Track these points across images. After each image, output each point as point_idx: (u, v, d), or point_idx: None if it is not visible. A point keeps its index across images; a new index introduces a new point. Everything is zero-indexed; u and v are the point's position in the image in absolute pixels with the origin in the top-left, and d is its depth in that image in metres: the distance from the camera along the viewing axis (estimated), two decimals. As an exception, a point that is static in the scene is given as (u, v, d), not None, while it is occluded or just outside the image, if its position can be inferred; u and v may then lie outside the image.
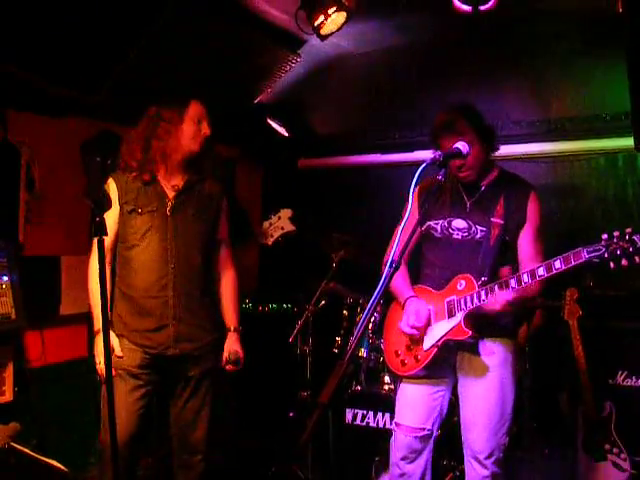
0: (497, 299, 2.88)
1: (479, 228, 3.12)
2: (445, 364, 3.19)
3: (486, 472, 3.08)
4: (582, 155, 5.04)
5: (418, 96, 5.01)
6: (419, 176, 2.55)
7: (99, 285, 2.47)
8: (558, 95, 4.91)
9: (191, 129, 3.24)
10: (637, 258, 2.56)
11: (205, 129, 3.27)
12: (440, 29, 4.37)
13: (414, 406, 3.23)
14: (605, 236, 2.61)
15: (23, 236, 4.00)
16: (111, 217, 3.15)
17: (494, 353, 3.12)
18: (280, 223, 4.04)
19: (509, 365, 3.14)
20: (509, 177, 3.26)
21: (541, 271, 2.77)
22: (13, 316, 3.71)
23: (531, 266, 2.88)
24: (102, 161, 3.19)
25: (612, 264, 2.60)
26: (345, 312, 4.60)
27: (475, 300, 2.96)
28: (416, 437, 3.20)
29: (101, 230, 2.32)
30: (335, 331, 4.54)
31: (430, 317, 3.13)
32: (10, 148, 3.95)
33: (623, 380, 4.20)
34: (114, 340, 3.16)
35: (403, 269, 3.35)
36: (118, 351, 3.14)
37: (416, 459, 3.23)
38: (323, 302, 4.52)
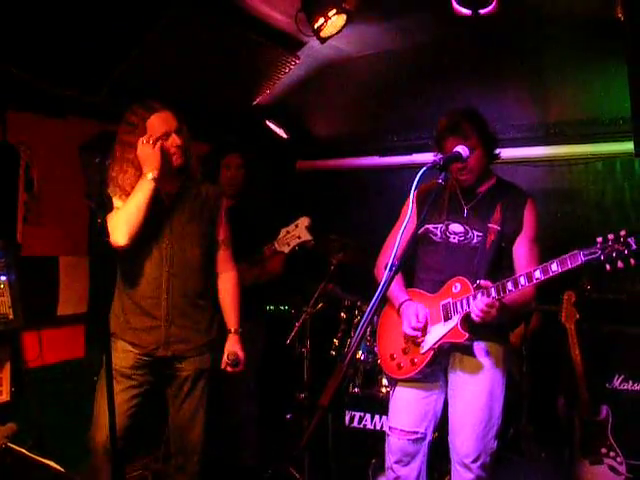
0: (480, 302, 2.88)
1: (476, 233, 3.13)
2: (438, 367, 3.19)
3: (471, 476, 3.08)
4: (580, 159, 5.05)
5: (417, 99, 5.01)
6: (419, 180, 2.56)
7: (101, 284, 2.46)
8: (557, 99, 4.93)
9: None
10: (632, 260, 2.58)
11: (175, 142, 3.14)
12: (440, 33, 4.38)
13: (408, 410, 3.24)
14: (600, 239, 2.63)
15: (21, 236, 3.99)
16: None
17: (486, 356, 3.12)
18: (297, 232, 4.02)
19: (500, 369, 3.15)
20: (507, 184, 3.29)
21: (538, 274, 2.78)
22: (11, 316, 3.70)
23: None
24: (101, 162, 3.15)
25: (608, 266, 2.61)
26: (343, 314, 4.61)
27: (471, 303, 2.96)
28: (409, 440, 3.21)
29: (103, 232, 2.31)
30: (333, 333, 4.55)
31: (427, 319, 3.13)
32: (9, 148, 3.94)
33: (620, 384, 4.22)
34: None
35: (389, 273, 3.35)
36: None
37: (410, 462, 3.23)
38: (321, 304, 4.52)
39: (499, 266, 3.13)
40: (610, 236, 2.62)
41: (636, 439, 4.02)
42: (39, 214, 4.10)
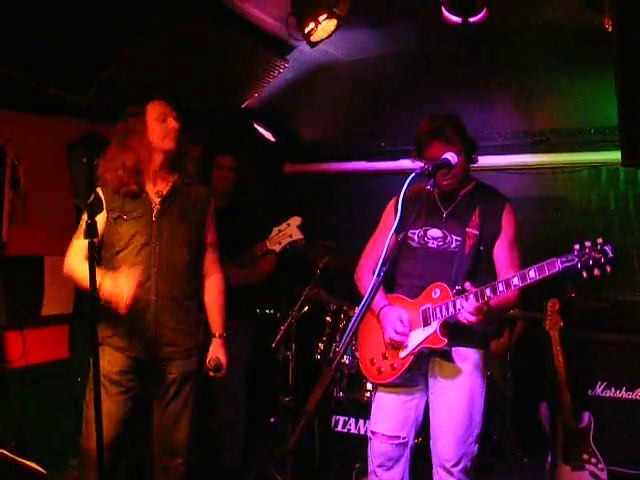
0: (469, 306, 2.89)
1: (454, 238, 3.13)
2: (418, 372, 3.19)
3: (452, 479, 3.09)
4: (566, 167, 5.10)
5: (404, 105, 5.03)
6: (408, 185, 2.57)
7: (90, 288, 2.44)
8: (543, 108, 4.97)
9: (157, 129, 3.21)
10: (609, 268, 2.60)
11: (171, 124, 3.23)
12: (428, 40, 4.41)
13: (389, 414, 3.23)
14: (577, 246, 2.65)
15: (7, 235, 3.96)
16: (99, 221, 3.14)
17: (465, 361, 3.12)
18: (289, 231, 4.02)
19: (479, 373, 3.15)
20: (485, 189, 3.28)
21: (516, 280, 2.80)
22: (-6, 316, 3.68)
23: (507, 276, 2.91)
24: (89, 162, 3.14)
25: (585, 274, 2.64)
26: (328, 318, 4.61)
27: (450, 309, 2.96)
28: (393, 445, 3.20)
29: (92, 233, 2.30)
30: (318, 337, 4.55)
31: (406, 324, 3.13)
32: (-5, 147, 3.93)
33: (602, 391, 4.25)
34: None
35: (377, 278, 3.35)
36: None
37: (393, 467, 3.23)
38: (306, 308, 4.52)
39: (478, 270, 3.13)
40: (587, 243, 2.64)
41: (617, 446, 4.06)
42: (25, 213, 4.07)
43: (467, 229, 3.10)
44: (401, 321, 3.10)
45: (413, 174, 2.64)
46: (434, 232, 3.17)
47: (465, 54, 4.46)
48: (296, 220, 4.04)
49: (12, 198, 4.01)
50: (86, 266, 2.69)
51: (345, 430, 4.21)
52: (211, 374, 3.34)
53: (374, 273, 3.26)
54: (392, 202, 3.39)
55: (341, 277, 4.23)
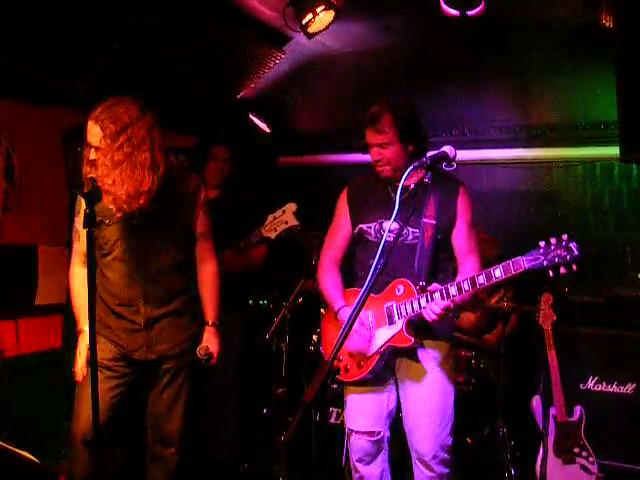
0: (437, 307, 2.87)
1: (411, 230, 3.07)
2: (386, 368, 3.16)
3: (432, 473, 3.09)
4: (561, 162, 5.10)
5: (401, 97, 5.02)
6: (405, 178, 2.57)
7: (87, 276, 2.42)
8: (539, 102, 4.97)
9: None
10: (574, 266, 2.59)
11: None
12: (425, 32, 4.40)
13: (362, 411, 3.22)
14: (543, 243, 2.64)
15: (0, 224, 3.95)
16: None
17: (432, 356, 3.12)
18: (284, 217, 4.00)
19: (447, 367, 3.15)
20: (438, 175, 3.06)
21: (481, 279, 2.79)
22: (-13, 305, 3.67)
23: (469, 263, 2.97)
24: (84, 151, 3.11)
25: (551, 273, 2.63)
26: (322, 310, 4.61)
27: (415, 307, 2.95)
28: (368, 441, 3.21)
29: (91, 222, 2.28)
30: (311, 329, 4.55)
31: (370, 321, 3.12)
32: (-10, 135, 3.91)
33: (594, 385, 4.26)
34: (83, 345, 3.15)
35: (335, 274, 3.33)
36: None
37: (372, 461, 3.24)
38: (300, 300, 4.52)
39: (439, 260, 3.12)
40: (552, 240, 2.62)
41: (608, 439, 4.08)
42: (19, 202, 4.06)
43: (424, 219, 3.05)
44: (360, 321, 3.06)
45: (411, 167, 2.63)
46: (388, 224, 3.06)
47: (461, 48, 4.45)
48: (291, 207, 4.01)
49: (6, 187, 3.99)
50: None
51: (338, 422, 4.23)
52: (202, 363, 3.33)
53: (336, 267, 3.31)
54: (343, 196, 3.36)
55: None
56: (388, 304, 3.06)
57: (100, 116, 2.93)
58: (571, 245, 2.59)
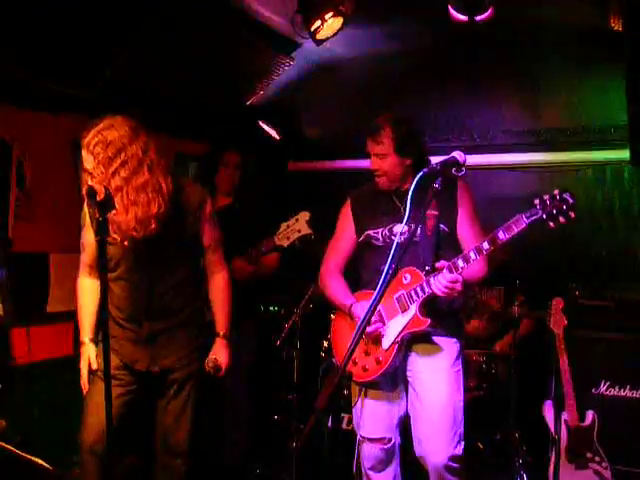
0: (444, 279, 2.90)
1: (419, 227, 3.09)
2: (398, 372, 3.19)
3: None
4: (570, 166, 5.09)
5: (409, 102, 5.03)
6: (417, 183, 2.58)
7: (100, 284, 2.41)
8: (549, 106, 4.97)
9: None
10: (572, 214, 2.65)
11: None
12: (434, 37, 4.40)
13: (374, 419, 3.23)
14: (537, 200, 2.70)
15: (12, 232, 3.97)
16: (88, 244, 3.14)
17: (442, 356, 3.13)
18: (297, 226, 3.96)
19: (457, 368, 3.16)
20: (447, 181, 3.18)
21: (486, 245, 2.83)
22: (0, 312, 3.68)
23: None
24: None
25: (551, 223, 2.68)
26: (333, 316, 4.60)
27: (426, 288, 2.98)
28: (382, 449, 3.23)
29: (103, 230, 2.28)
30: (322, 335, 4.55)
31: (382, 315, 3.13)
32: (1, 144, 3.92)
33: (606, 390, 4.25)
34: (92, 352, 3.16)
35: (340, 278, 3.39)
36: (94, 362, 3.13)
37: (385, 469, 3.26)
38: (311, 306, 4.52)
39: (443, 248, 3.14)
40: (545, 197, 2.68)
41: (621, 444, 4.06)
42: (31, 210, 4.08)
43: (426, 212, 3.05)
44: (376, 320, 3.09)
45: (421, 172, 2.65)
46: (399, 227, 3.06)
47: (470, 53, 4.46)
48: (305, 215, 4.00)
49: (18, 195, 4.01)
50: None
51: (350, 428, 4.22)
52: (210, 374, 3.31)
53: (340, 273, 3.37)
54: (346, 207, 3.42)
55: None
56: (397, 294, 3.09)
57: (91, 142, 2.83)
58: (565, 195, 2.66)
